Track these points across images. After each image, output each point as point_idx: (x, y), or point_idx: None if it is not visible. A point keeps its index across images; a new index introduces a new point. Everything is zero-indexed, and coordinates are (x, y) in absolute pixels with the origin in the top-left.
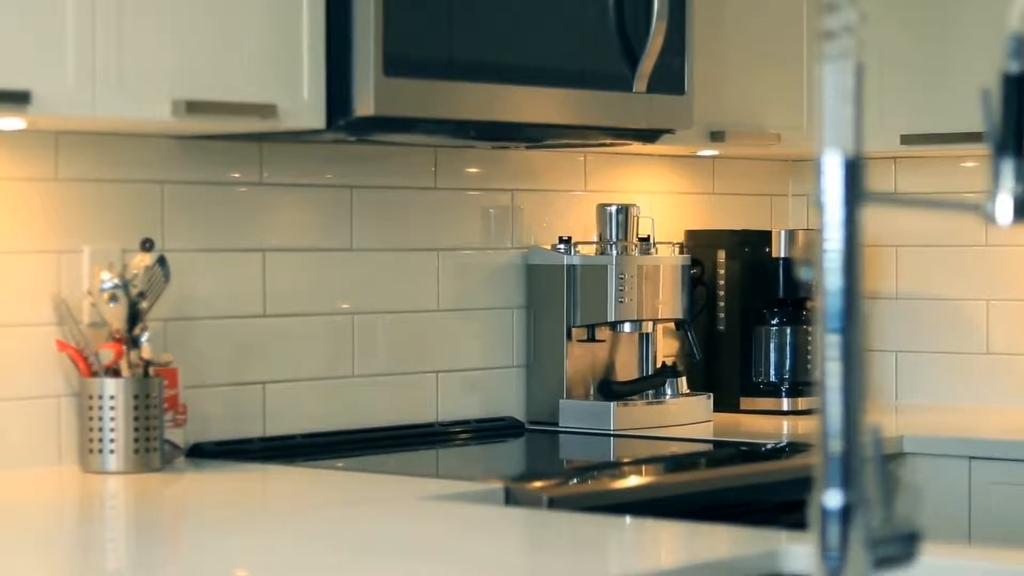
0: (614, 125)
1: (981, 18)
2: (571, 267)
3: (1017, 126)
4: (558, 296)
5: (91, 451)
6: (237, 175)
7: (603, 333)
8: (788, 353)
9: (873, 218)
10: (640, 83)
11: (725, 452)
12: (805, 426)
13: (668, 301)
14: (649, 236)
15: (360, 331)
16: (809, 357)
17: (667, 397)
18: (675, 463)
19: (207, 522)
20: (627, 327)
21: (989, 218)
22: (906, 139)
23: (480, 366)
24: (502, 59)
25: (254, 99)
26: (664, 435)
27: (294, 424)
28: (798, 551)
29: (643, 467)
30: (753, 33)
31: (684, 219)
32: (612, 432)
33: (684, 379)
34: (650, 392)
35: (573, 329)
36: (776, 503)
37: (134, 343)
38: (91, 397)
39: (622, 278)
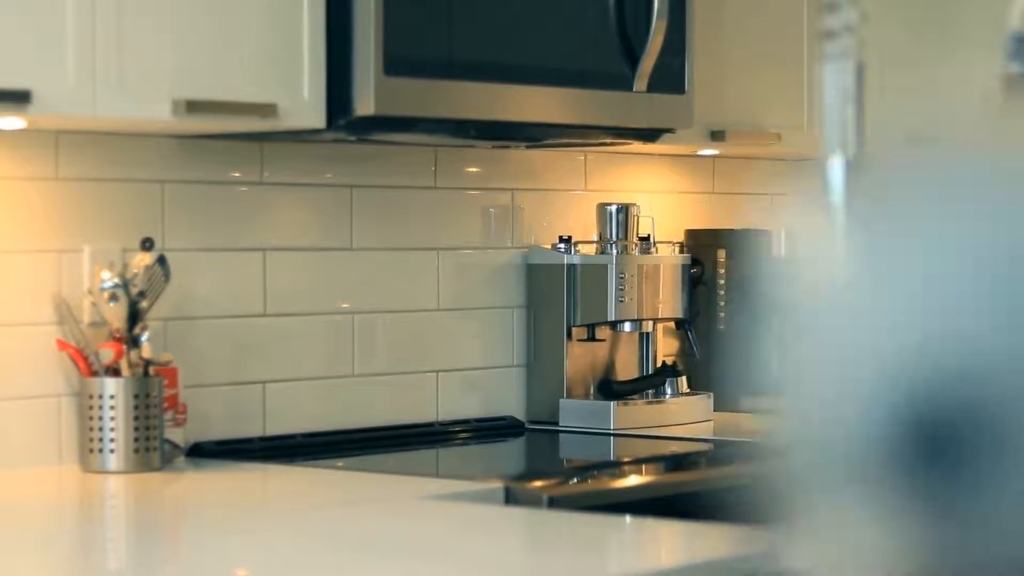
0: (614, 124)
1: (981, 18)
2: (571, 267)
3: None
4: (558, 296)
5: (91, 451)
6: (237, 175)
7: (603, 332)
8: None
9: None
10: (640, 83)
11: (725, 452)
12: None
13: (668, 301)
14: (649, 235)
15: (360, 331)
16: None
17: (667, 397)
18: (675, 463)
19: (207, 522)
20: (627, 326)
21: None
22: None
23: (480, 366)
24: (502, 59)
25: (254, 99)
26: (664, 435)
27: (294, 424)
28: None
29: (643, 467)
30: (753, 33)
31: (684, 218)
32: (612, 432)
33: (684, 379)
34: (650, 392)
35: (573, 329)
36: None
37: (134, 343)
38: (91, 397)
39: (622, 277)
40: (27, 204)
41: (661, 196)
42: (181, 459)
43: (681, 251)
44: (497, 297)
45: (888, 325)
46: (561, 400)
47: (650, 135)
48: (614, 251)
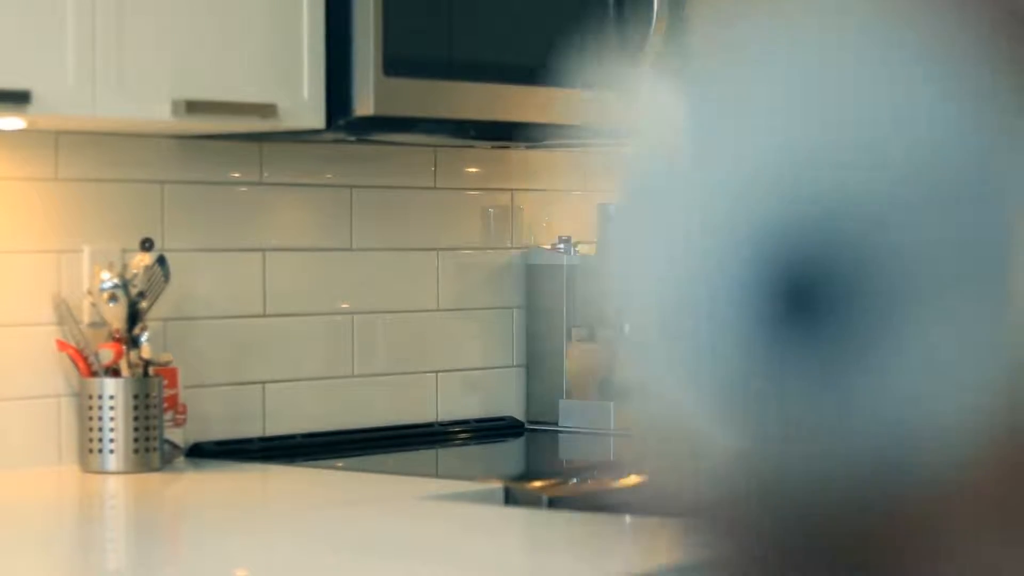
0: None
1: None
2: (571, 267)
3: None
4: (558, 296)
5: (91, 451)
6: (237, 175)
7: (603, 333)
8: None
9: None
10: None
11: None
12: None
13: None
14: None
15: (360, 331)
16: None
17: None
18: None
19: (207, 522)
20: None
21: None
22: None
23: (480, 366)
24: (502, 59)
25: (254, 99)
26: None
27: (294, 424)
28: None
29: None
30: None
31: None
32: (612, 432)
33: None
34: None
35: (573, 329)
36: None
37: (134, 343)
38: (91, 397)
39: None
40: (27, 204)
41: None
42: (181, 459)
43: None
44: (497, 297)
45: (736, 170)
46: (561, 400)
47: None
48: None
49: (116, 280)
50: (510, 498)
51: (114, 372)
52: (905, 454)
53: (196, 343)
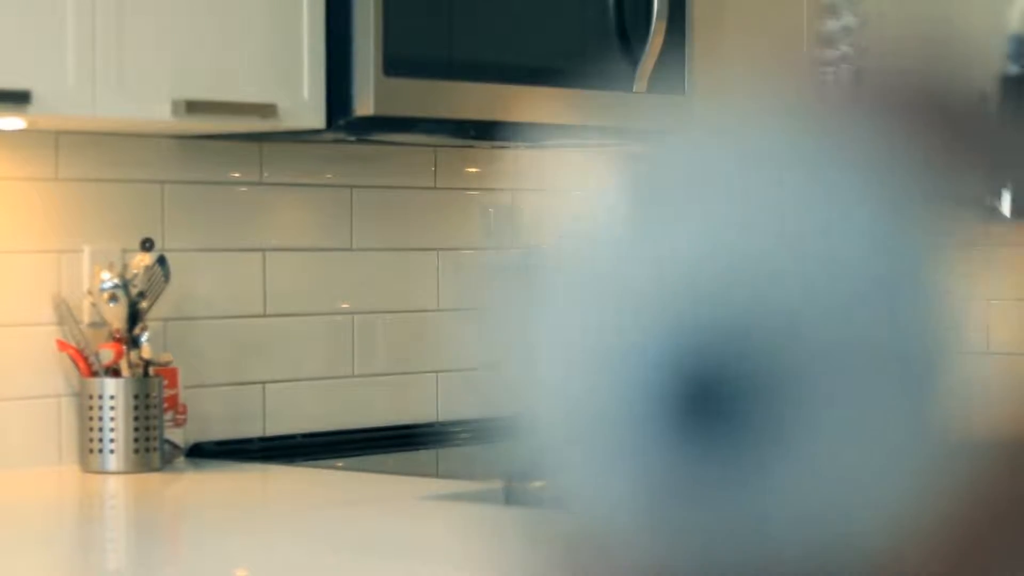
0: (614, 124)
1: (981, 18)
2: None
3: None
4: None
5: (91, 451)
6: (237, 175)
7: None
8: None
9: None
10: (640, 83)
11: None
12: None
13: None
14: None
15: (360, 331)
16: None
17: None
18: None
19: (207, 522)
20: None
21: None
22: None
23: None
24: (502, 59)
25: (254, 99)
26: None
27: (294, 424)
28: None
29: None
30: (754, 33)
31: None
32: None
33: None
34: None
35: None
36: None
37: (134, 343)
38: (91, 397)
39: None
40: (27, 204)
41: None
42: (181, 459)
43: None
44: None
45: (657, 271)
46: None
47: (650, 136)
48: None
49: (116, 280)
50: (510, 498)
51: (114, 372)
52: (833, 548)
53: (196, 343)
